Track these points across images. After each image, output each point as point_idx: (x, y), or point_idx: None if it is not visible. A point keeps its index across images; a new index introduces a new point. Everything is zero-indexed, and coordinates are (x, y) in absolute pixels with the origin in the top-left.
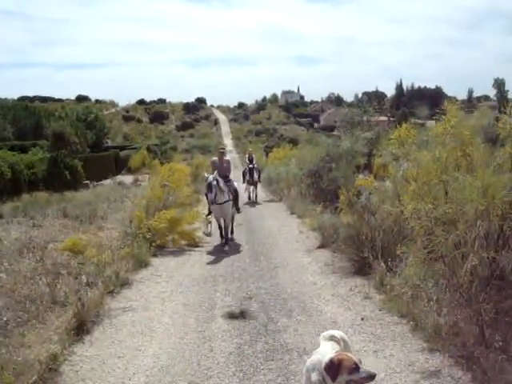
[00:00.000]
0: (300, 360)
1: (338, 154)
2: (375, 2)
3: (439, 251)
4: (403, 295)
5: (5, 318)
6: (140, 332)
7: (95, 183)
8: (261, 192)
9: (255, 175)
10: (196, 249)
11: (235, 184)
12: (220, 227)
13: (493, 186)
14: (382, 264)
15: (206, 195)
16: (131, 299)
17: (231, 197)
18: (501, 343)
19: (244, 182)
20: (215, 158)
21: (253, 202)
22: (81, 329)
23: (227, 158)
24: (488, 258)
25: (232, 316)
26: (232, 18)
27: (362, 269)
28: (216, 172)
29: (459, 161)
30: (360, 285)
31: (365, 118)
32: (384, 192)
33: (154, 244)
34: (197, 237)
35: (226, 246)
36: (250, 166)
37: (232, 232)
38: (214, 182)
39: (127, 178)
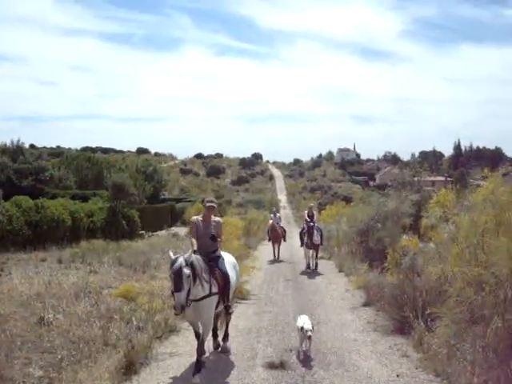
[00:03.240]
0: None
1: (384, 214)
2: (431, 62)
3: (469, 312)
4: (439, 354)
5: (59, 356)
6: (184, 377)
7: (150, 233)
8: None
9: (316, 236)
10: (243, 301)
11: (227, 264)
12: (196, 335)
13: None
14: (422, 324)
15: (172, 292)
16: (178, 345)
17: (215, 288)
18: None
19: (302, 245)
20: (197, 218)
21: (311, 272)
22: (130, 369)
23: (217, 218)
24: None
25: (272, 366)
26: (288, 76)
27: (402, 328)
28: (194, 245)
29: (495, 226)
30: (399, 343)
31: (415, 179)
32: (428, 253)
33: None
34: (244, 290)
35: (197, 378)
36: (310, 224)
37: (225, 338)
38: (186, 271)
39: (181, 230)
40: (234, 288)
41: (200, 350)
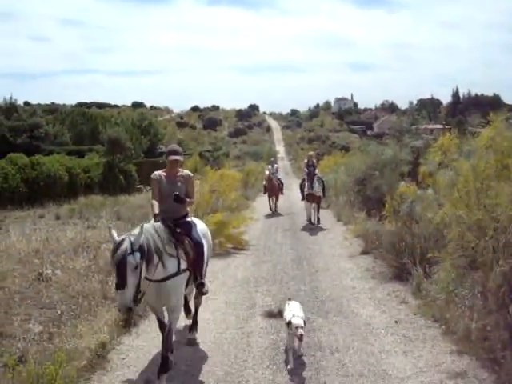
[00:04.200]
0: (331, 357)
1: (382, 162)
2: (429, 7)
3: (469, 257)
4: (438, 300)
5: (59, 311)
6: (183, 326)
7: (148, 188)
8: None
9: (317, 187)
10: (241, 252)
11: (200, 230)
12: (161, 325)
13: None
14: (420, 270)
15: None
16: None
17: (184, 263)
18: None
19: (303, 199)
20: (159, 173)
21: (314, 227)
22: (128, 322)
23: (187, 172)
24: None
25: (270, 315)
26: (283, 25)
27: (400, 275)
28: (154, 209)
29: (498, 171)
30: (398, 290)
31: (413, 127)
32: (426, 200)
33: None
34: (243, 240)
35: (163, 380)
36: (310, 173)
37: (193, 327)
38: (132, 260)
39: None
40: (207, 262)
41: (166, 345)
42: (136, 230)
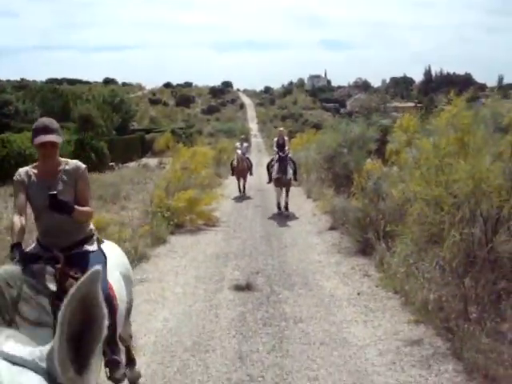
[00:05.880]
0: (294, 327)
1: (350, 140)
2: None
3: (427, 231)
4: (398, 273)
5: None
6: (153, 300)
7: (120, 165)
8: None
9: (288, 170)
10: (212, 228)
11: (115, 267)
12: None
13: (480, 170)
14: (383, 244)
15: None
16: (147, 271)
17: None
18: (475, 315)
19: (270, 181)
20: (26, 171)
21: (282, 213)
22: None
23: (75, 162)
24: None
25: (238, 288)
26: (258, 1)
27: (365, 249)
28: (14, 237)
29: (457, 149)
30: (362, 264)
31: (382, 105)
32: (391, 177)
33: (172, 223)
34: (213, 217)
35: None
36: (281, 154)
37: None
38: None
39: (152, 161)
40: (129, 323)
41: None
42: None
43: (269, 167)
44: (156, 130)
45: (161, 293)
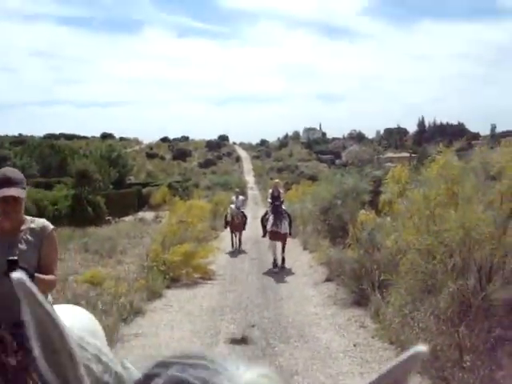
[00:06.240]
0: (291, 379)
1: (344, 192)
2: (393, 39)
3: (420, 280)
4: (393, 323)
5: None
6: (149, 355)
7: (117, 219)
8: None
9: (283, 223)
10: (208, 281)
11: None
12: None
13: (470, 219)
14: (378, 295)
15: None
16: (143, 326)
17: None
18: (470, 364)
19: (264, 235)
20: None
21: (278, 271)
22: None
23: (42, 221)
24: (467, 286)
25: (234, 341)
26: (251, 56)
27: (361, 300)
28: None
29: (447, 199)
30: (357, 315)
31: (376, 157)
32: (384, 227)
33: (168, 276)
34: (210, 270)
35: None
36: (276, 204)
37: None
38: None
39: (148, 215)
40: None
41: None
42: None
43: (263, 220)
44: (153, 183)
45: (156, 348)
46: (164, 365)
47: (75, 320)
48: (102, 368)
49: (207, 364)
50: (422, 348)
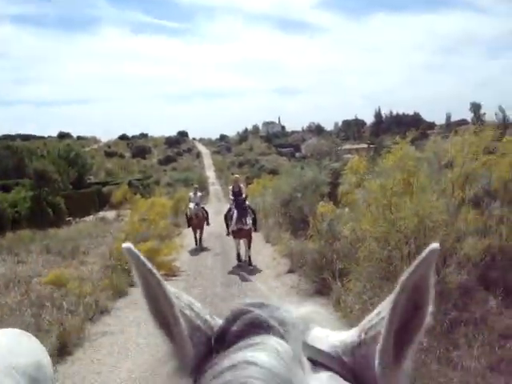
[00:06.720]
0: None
1: (304, 184)
2: (348, 32)
3: (376, 267)
4: (354, 310)
5: None
6: (117, 352)
7: (78, 220)
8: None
9: (247, 219)
10: (173, 278)
11: None
12: None
13: (423, 207)
14: (339, 284)
15: None
16: (110, 324)
17: None
18: (426, 345)
19: (229, 233)
20: None
21: (243, 265)
22: (63, 351)
23: None
24: None
25: None
26: (208, 52)
27: (323, 290)
28: None
29: (403, 188)
30: (320, 304)
31: (335, 149)
32: (343, 218)
33: (132, 274)
34: (174, 267)
35: None
36: (239, 201)
37: None
38: None
39: (109, 214)
40: None
41: None
42: None
43: (227, 218)
44: (113, 182)
45: (124, 344)
46: (244, 308)
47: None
48: (194, 314)
49: (269, 303)
50: (436, 244)
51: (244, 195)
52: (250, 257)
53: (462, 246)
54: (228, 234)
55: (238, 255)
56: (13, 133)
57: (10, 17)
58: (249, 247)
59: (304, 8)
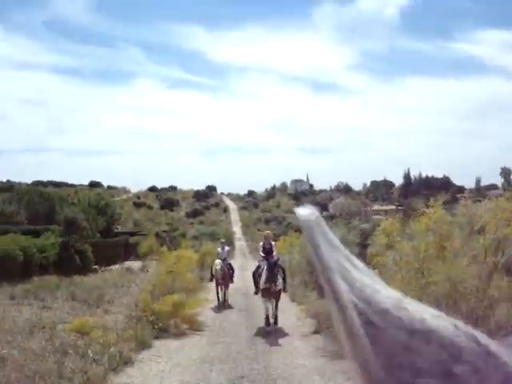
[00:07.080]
0: None
1: None
2: (378, 94)
3: None
4: None
5: None
6: None
7: (104, 268)
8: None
9: (278, 279)
10: (197, 332)
11: None
12: None
13: (456, 272)
14: None
15: None
16: (132, 376)
17: None
18: None
19: (257, 292)
20: None
21: (271, 330)
22: None
23: None
24: None
25: None
26: (238, 109)
27: None
28: None
29: (436, 252)
30: (346, 367)
31: (363, 209)
32: None
33: (156, 327)
34: (198, 321)
35: None
36: (271, 260)
37: None
38: None
39: (135, 264)
40: None
41: None
42: None
43: (255, 275)
44: (140, 233)
45: None
46: None
47: None
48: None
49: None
50: None
51: (275, 255)
52: (276, 316)
53: (494, 313)
54: (256, 293)
55: (267, 318)
56: (45, 179)
57: (48, 66)
58: (276, 307)
59: (336, 70)
